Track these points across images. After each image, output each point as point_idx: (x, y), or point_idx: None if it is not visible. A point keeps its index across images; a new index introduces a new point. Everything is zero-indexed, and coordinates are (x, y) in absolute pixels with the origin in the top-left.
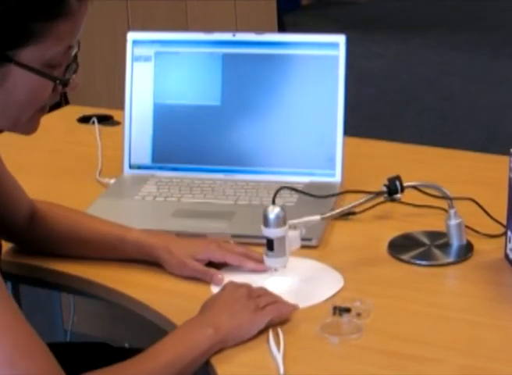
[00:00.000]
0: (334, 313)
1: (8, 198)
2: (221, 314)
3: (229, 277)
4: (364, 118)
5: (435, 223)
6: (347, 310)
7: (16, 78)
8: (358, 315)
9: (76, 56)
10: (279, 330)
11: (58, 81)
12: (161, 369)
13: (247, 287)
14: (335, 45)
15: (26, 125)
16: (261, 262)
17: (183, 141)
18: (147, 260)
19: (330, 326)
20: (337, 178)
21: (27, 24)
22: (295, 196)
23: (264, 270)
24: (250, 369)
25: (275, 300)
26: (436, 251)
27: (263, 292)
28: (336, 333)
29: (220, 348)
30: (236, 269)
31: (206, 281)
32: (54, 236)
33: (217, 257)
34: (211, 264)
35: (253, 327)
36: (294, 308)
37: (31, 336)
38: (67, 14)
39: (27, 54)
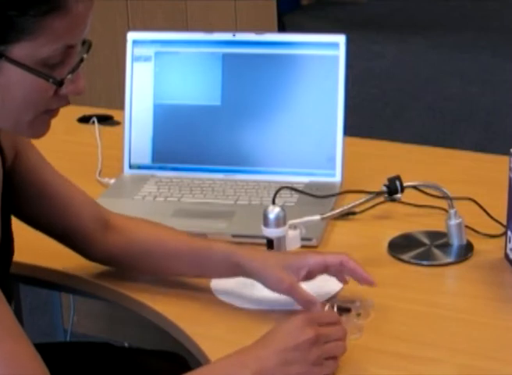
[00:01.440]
0: None
1: (64, 204)
2: (272, 358)
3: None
4: (364, 118)
5: (435, 223)
6: (347, 310)
7: (10, 75)
8: (358, 315)
9: (82, 60)
10: None
11: (51, 80)
12: None
13: (317, 329)
14: (335, 45)
15: (31, 128)
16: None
17: (183, 141)
18: (234, 274)
19: None
20: (337, 178)
21: (17, 18)
22: (295, 196)
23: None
24: None
25: (342, 351)
26: (436, 251)
27: (334, 336)
28: None
29: None
30: None
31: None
32: (135, 249)
33: (318, 261)
34: None
35: None
36: None
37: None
38: (61, 10)
39: (20, 50)
